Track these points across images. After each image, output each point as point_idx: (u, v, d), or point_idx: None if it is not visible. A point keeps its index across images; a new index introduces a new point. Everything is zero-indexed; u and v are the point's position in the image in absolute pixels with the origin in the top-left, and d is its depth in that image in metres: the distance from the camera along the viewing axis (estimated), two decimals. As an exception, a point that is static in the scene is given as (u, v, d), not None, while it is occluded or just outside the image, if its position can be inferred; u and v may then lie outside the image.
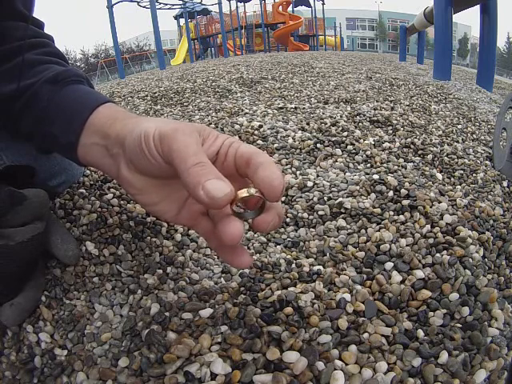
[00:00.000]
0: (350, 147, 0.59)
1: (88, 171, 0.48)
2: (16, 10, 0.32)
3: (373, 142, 0.67)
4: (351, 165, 0.53)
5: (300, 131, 0.64)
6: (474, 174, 0.64)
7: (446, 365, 0.22)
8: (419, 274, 0.30)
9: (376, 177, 0.48)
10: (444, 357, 0.22)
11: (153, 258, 0.33)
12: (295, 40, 11.94)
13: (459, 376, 0.22)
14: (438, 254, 0.33)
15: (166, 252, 0.34)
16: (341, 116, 0.78)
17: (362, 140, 0.66)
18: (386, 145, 0.68)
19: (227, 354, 0.22)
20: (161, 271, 0.32)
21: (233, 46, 10.36)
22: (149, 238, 0.35)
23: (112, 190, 0.42)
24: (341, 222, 0.40)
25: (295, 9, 12.91)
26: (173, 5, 8.87)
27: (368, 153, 0.57)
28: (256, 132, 0.66)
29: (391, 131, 0.78)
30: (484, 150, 0.77)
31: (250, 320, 0.24)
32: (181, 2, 8.67)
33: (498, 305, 0.31)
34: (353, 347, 0.22)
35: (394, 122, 0.83)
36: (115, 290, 0.33)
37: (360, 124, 0.79)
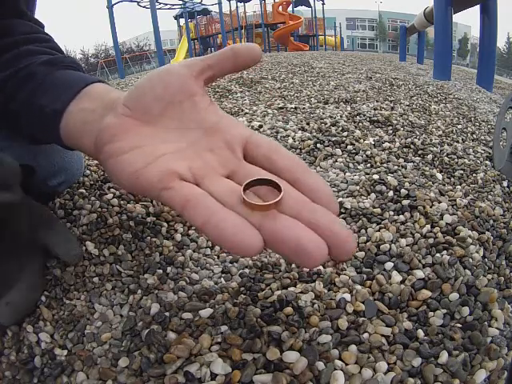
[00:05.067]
0: (350, 147, 0.59)
1: (88, 171, 0.48)
2: (19, 9, 0.32)
3: (373, 142, 0.67)
4: (351, 165, 0.53)
5: (300, 131, 0.64)
6: (474, 174, 0.64)
7: (446, 365, 0.22)
8: (419, 273, 0.30)
9: (376, 177, 0.48)
10: (444, 357, 0.22)
11: (153, 258, 0.33)
12: (295, 40, 11.94)
13: (459, 376, 0.22)
14: (438, 254, 0.33)
15: (166, 252, 0.34)
16: (341, 116, 0.78)
17: (362, 140, 0.66)
18: (386, 145, 0.68)
19: (227, 354, 0.22)
20: (161, 271, 0.32)
21: None
22: (149, 237, 0.35)
23: (112, 189, 0.42)
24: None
25: (295, 9, 12.84)
26: (173, 5, 8.87)
27: (368, 153, 0.57)
28: (256, 132, 0.66)
29: (391, 131, 0.78)
30: (484, 150, 0.77)
31: (249, 320, 0.24)
32: (181, 2, 8.68)
33: (498, 305, 0.31)
34: (353, 347, 0.22)
35: (394, 122, 0.83)
36: (115, 289, 0.33)
37: (360, 124, 0.79)
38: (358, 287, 0.28)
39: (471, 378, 0.22)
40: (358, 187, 0.46)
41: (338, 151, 0.56)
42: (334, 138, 0.60)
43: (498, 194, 0.59)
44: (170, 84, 0.22)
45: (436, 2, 2.04)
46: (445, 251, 0.34)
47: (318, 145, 0.58)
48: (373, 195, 0.44)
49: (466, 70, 4.00)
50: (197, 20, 11.44)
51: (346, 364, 0.21)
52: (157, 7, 5.99)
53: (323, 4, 12.41)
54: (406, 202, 0.42)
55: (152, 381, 0.21)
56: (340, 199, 0.43)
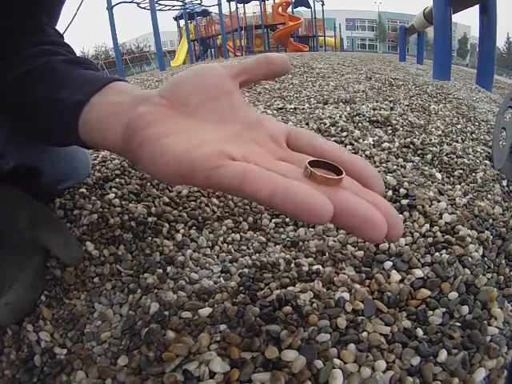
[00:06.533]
0: (349, 147, 0.59)
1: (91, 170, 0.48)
2: (39, 22, 0.32)
3: (372, 142, 0.67)
4: None
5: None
6: (474, 174, 0.64)
7: (445, 363, 0.22)
8: (418, 273, 0.30)
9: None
10: (443, 355, 0.22)
11: (153, 258, 0.33)
12: (295, 41, 11.95)
13: (458, 375, 0.22)
14: (437, 253, 0.33)
15: (167, 252, 0.34)
16: (340, 116, 0.78)
17: (361, 140, 0.66)
18: (386, 145, 0.68)
19: (226, 352, 0.22)
20: (161, 271, 0.32)
21: (233, 47, 10.37)
22: (150, 238, 0.35)
23: (114, 189, 0.42)
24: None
25: (295, 10, 12.85)
26: (172, 6, 8.89)
27: (367, 152, 0.57)
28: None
29: (390, 131, 0.78)
30: (483, 150, 0.77)
31: (248, 319, 0.24)
32: (180, 3, 8.68)
33: (498, 304, 0.31)
34: (351, 346, 0.22)
35: (394, 122, 0.83)
36: (115, 289, 0.33)
37: (359, 124, 0.79)
38: (357, 286, 0.28)
39: (470, 377, 0.22)
40: None
41: None
42: (333, 139, 0.60)
43: (497, 193, 0.59)
44: (209, 79, 0.22)
45: (435, 2, 2.05)
46: (444, 250, 0.34)
47: None
48: None
49: (465, 70, 3.99)
50: (196, 21, 11.45)
51: (345, 363, 0.21)
52: (156, 8, 6.01)
53: (323, 5, 12.45)
54: (405, 202, 0.42)
55: (151, 379, 0.21)
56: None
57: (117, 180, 0.44)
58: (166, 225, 0.37)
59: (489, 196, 0.56)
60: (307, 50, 10.59)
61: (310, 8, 12.28)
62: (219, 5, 7.85)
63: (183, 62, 9.67)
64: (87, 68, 0.29)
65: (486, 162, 0.71)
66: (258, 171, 0.17)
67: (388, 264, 0.31)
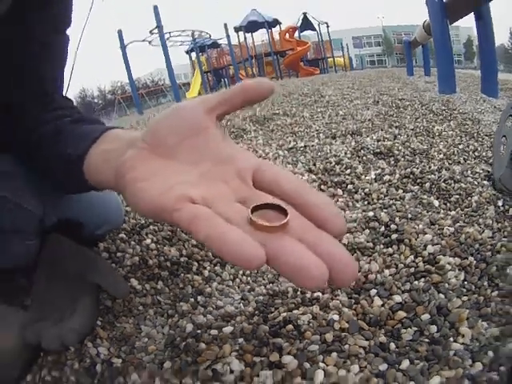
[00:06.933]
0: (350, 186, 0.67)
1: (126, 217, 0.58)
2: (49, 95, 0.39)
3: (374, 177, 0.74)
4: (350, 203, 0.61)
5: (307, 173, 0.74)
6: (469, 198, 0.66)
7: (406, 370, 0.29)
8: (397, 298, 0.37)
9: (371, 214, 0.56)
10: (405, 364, 0.29)
11: (186, 290, 0.43)
12: (305, 65, 12.18)
13: (416, 380, 0.28)
14: (415, 282, 0.40)
15: (197, 285, 0.44)
16: (345, 153, 0.86)
17: (363, 176, 0.73)
18: (387, 178, 0.74)
19: (242, 357, 0.30)
20: (193, 300, 0.41)
21: (245, 76, 10.68)
22: (182, 274, 0.45)
23: (150, 236, 0.52)
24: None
25: (301, 34, 13.12)
26: (183, 42, 9.29)
27: (366, 190, 0.65)
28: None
29: (393, 162, 0.84)
30: (483, 170, 0.78)
31: (260, 334, 0.33)
32: (190, 38, 9.09)
33: (468, 323, 0.36)
34: (334, 354, 0.30)
35: (396, 152, 0.89)
36: (157, 314, 0.42)
37: (364, 157, 0.86)
38: (346, 310, 0.36)
39: (427, 382, 0.29)
40: (355, 224, 0.53)
41: (340, 191, 0.65)
42: (336, 179, 0.69)
43: (490, 215, 0.59)
44: (184, 118, 0.24)
45: (432, 16, 2.05)
46: (422, 279, 0.41)
47: (322, 186, 0.67)
48: (367, 231, 0.52)
49: (473, 75, 3.87)
50: (208, 53, 11.91)
51: (327, 365, 0.29)
52: (168, 45, 6.33)
53: (328, 26, 12.61)
54: (394, 236, 0.49)
55: (189, 376, 0.30)
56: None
57: (151, 227, 0.55)
58: (195, 263, 0.46)
59: (480, 220, 0.58)
60: (318, 73, 10.76)
61: (316, 31, 12.53)
62: (227, 36, 8.18)
63: (198, 93, 10.03)
64: (89, 122, 0.35)
65: (484, 182, 0.72)
66: (204, 216, 0.19)
67: (373, 292, 0.39)
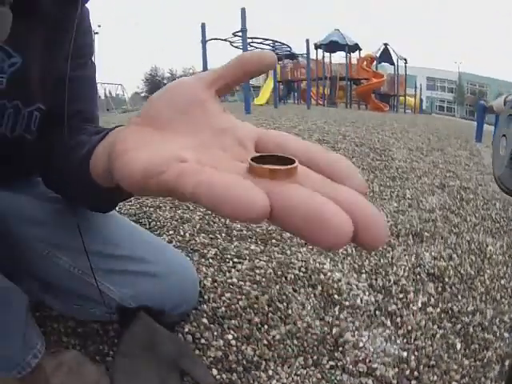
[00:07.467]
0: (398, 319, 0.89)
1: (206, 297, 0.66)
2: (80, 126, 0.42)
3: (420, 306, 0.86)
4: (393, 337, 0.86)
5: (367, 291, 0.90)
6: (485, 351, 0.73)
7: None
8: None
9: (404, 354, 0.81)
10: None
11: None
12: (376, 98, 12.21)
13: None
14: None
15: (261, 381, 0.54)
16: (403, 271, 0.99)
17: (411, 305, 0.87)
18: (429, 309, 0.86)
19: None
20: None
21: (315, 94, 10.70)
22: (253, 372, 0.57)
23: (232, 332, 0.62)
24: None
25: (379, 65, 12.96)
26: (262, 49, 9.15)
27: (409, 327, 0.87)
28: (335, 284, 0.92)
29: (440, 289, 0.94)
30: (511, 319, 0.82)
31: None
32: (270, 48, 8.89)
33: None
34: None
35: (447, 279, 0.98)
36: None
37: (418, 276, 0.97)
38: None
39: None
40: (389, 359, 0.80)
41: (388, 323, 0.89)
42: (390, 308, 0.90)
43: (493, 376, 0.71)
44: (180, 92, 0.23)
45: None
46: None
47: (377, 312, 0.91)
48: (396, 369, 0.78)
49: None
50: (283, 63, 11.67)
51: None
52: (248, 48, 6.29)
53: (406, 63, 12.34)
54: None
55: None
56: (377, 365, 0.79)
57: (232, 322, 0.64)
58: (263, 362, 0.59)
59: (482, 379, 0.70)
60: (387, 110, 10.79)
61: (394, 65, 12.34)
62: (307, 54, 8.15)
63: (267, 101, 9.83)
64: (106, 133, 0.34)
65: (504, 334, 0.76)
66: (194, 169, 0.16)
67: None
